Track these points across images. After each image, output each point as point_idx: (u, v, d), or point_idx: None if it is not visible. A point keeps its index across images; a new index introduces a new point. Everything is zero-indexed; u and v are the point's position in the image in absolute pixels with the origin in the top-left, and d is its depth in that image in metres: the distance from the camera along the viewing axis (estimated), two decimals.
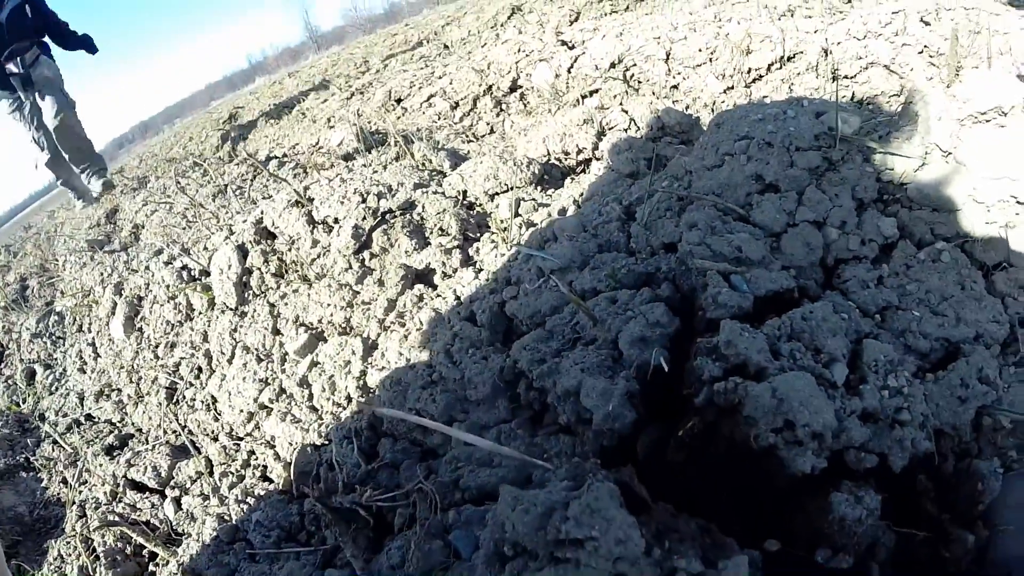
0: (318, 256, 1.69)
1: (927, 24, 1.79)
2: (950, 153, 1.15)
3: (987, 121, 1.12)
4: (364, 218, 1.60)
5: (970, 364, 0.94)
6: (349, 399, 1.39)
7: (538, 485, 0.73)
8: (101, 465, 1.75)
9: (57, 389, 2.37)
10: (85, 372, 2.34)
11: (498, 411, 1.09)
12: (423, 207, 1.63)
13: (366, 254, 1.57)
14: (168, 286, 2.19)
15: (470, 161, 1.72)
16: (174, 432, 1.75)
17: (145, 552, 1.48)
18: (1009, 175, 1.06)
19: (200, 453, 1.62)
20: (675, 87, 2.16)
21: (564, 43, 2.93)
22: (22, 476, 1.96)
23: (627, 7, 3.23)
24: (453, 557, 0.83)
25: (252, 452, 1.51)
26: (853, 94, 1.67)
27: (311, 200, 1.80)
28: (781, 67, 2.00)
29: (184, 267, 2.17)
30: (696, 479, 0.87)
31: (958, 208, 1.10)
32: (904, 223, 1.13)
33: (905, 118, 1.19)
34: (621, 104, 1.80)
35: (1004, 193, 1.06)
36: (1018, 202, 1.04)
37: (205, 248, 2.23)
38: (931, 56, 1.61)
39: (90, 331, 2.54)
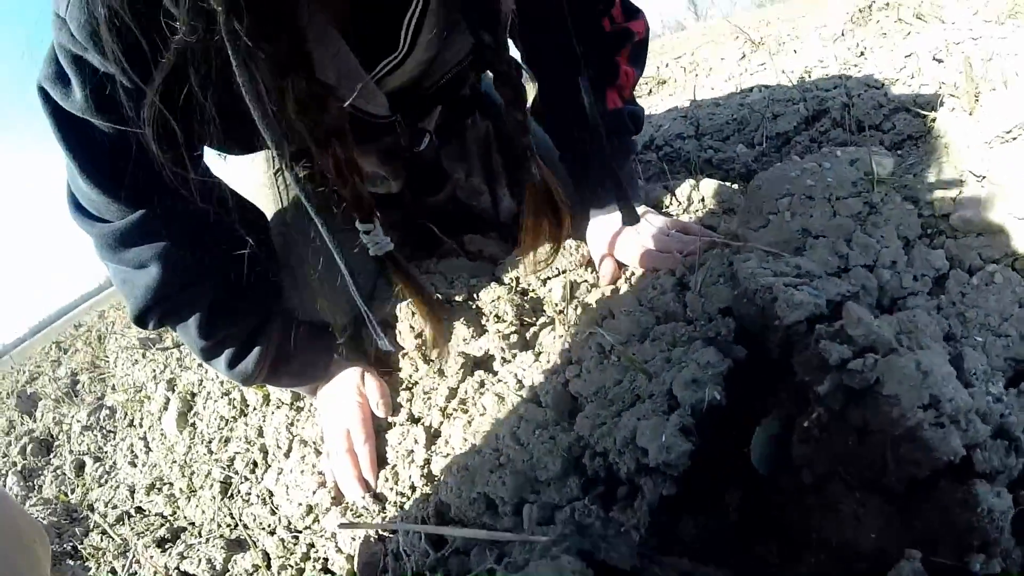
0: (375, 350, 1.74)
1: (940, 61, 1.86)
2: (984, 176, 1.18)
3: (1013, 139, 1.16)
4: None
5: None
6: (413, 488, 1.39)
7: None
8: (152, 557, 1.73)
9: (107, 481, 2.39)
10: (136, 466, 2.36)
11: (570, 489, 1.08)
12: (477, 295, 1.69)
13: (424, 345, 1.62)
14: (222, 382, 2.26)
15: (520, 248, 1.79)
16: (228, 525, 1.74)
17: None
18: None
19: (257, 547, 1.61)
20: (708, 161, 2.19)
21: None
22: (68, 564, 1.94)
23: (649, 91, 3.43)
24: None
25: (312, 545, 1.49)
26: (881, 141, 1.72)
27: None
28: (808, 127, 2.06)
29: None
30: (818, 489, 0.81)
31: (1002, 229, 1.12)
32: (952, 253, 1.14)
33: (935, 152, 1.22)
34: (661, 181, 1.86)
35: None
36: None
37: None
38: (950, 92, 1.66)
39: (141, 426, 2.59)
